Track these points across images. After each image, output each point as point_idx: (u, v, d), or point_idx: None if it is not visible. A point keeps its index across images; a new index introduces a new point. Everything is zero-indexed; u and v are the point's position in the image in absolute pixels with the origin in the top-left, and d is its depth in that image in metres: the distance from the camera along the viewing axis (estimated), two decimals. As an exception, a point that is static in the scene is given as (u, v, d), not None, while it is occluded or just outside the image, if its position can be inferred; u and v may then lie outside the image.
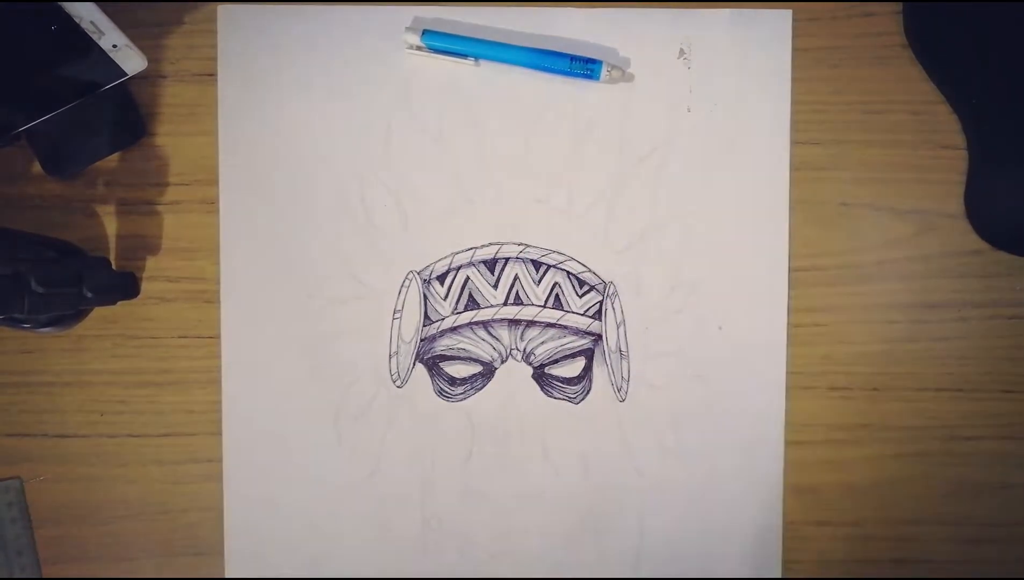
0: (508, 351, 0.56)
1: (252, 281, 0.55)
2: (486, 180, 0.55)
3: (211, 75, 0.55)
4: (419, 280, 0.56)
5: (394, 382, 0.56)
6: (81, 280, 0.49)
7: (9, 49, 0.46)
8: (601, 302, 0.56)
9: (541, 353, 0.56)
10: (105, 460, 0.56)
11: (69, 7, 0.44)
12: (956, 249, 0.56)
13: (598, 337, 0.56)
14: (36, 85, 0.48)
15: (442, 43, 0.54)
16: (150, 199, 0.55)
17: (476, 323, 0.56)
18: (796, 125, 0.55)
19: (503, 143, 0.55)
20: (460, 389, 0.56)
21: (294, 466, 0.56)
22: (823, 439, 0.56)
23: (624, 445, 0.56)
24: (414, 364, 0.56)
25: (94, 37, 0.46)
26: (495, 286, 0.56)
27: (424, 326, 0.56)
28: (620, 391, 0.56)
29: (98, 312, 0.55)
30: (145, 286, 0.55)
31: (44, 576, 0.56)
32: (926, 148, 0.56)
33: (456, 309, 0.56)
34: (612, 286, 0.56)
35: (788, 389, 0.56)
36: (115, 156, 0.55)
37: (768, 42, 0.55)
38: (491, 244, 0.56)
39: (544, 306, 0.56)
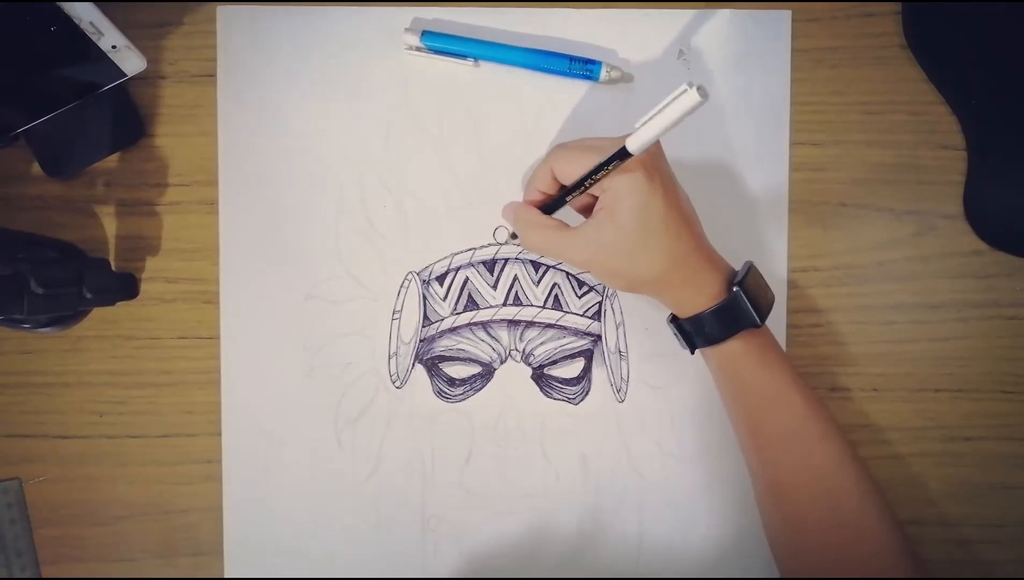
0: (507, 352, 0.56)
1: (252, 282, 0.55)
2: (486, 180, 0.55)
3: (211, 75, 0.55)
4: (418, 281, 0.56)
5: (393, 383, 0.56)
6: (81, 281, 0.49)
7: (9, 49, 0.46)
8: (600, 303, 0.56)
9: (540, 354, 0.56)
10: (105, 460, 0.56)
11: (69, 7, 0.44)
12: (956, 249, 0.56)
13: (597, 338, 0.56)
14: (36, 86, 0.48)
15: (441, 44, 0.54)
16: (150, 200, 0.55)
17: (475, 324, 0.56)
18: (796, 125, 0.55)
19: (503, 143, 0.55)
20: (459, 390, 0.56)
21: (294, 467, 0.56)
22: (823, 439, 0.56)
23: (623, 446, 0.56)
24: (413, 365, 0.56)
25: (93, 38, 0.46)
26: (494, 287, 0.56)
27: (423, 327, 0.56)
28: (619, 392, 0.56)
29: (98, 313, 0.55)
30: (145, 287, 0.55)
31: (44, 576, 0.56)
32: (926, 148, 0.56)
33: (455, 310, 0.56)
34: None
35: (788, 389, 0.56)
36: (115, 156, 0.55)
37: (768, 42, 0.55)
38: (490, 244, 0.56)
39: (543, 307, 0.56)
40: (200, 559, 0.56)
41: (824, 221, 0.56)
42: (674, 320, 0.49)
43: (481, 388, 0.56)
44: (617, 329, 0.56)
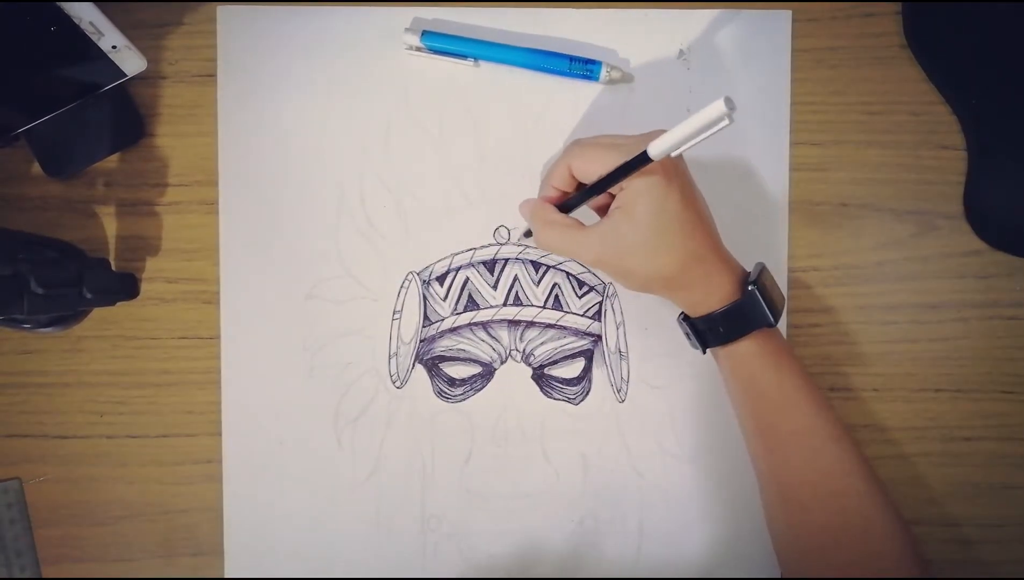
0: (508, 352, 0.56)
1: (252, 282, 0.55)
2: (486, 180, 0.55)
3: (211, 76, 0.55)
4: (419, 281, 0.56)
5: (394, 383, 0.56)
6: (81, 281, 0.49)
7: (9, 49, 0.46)
8: (600, 303, 0.56)
9: (541, 354, 0.56)
10: (105, 460, 0.56)
11: (69, 7, 0.44)
12: (956, 249, 0.56)
13: (597, 338, 0.56)
14: (36, 86, 0.48)
15: (441, 44, 0.54)
16: (150, 200, 0.55)
17: (476, 324, 0.56)
18: (796, 125, 0.55)
19: (503, 143, 0.55)
20: (460, 390, 0.56)
21: (294, 467, 0.56)
22: (823, 439, 0.56)
23: (624, 446, 0.56)
24: (414, 365, 0.56)
25: (94, 38, 0.46)
26: (495, 287, 0.56)
27: (424, 327, 0.56)
28: (620, 392, 0.56)
29: (98, 313, 0.55)
30: (145, 287, 0.55)
31: (44, 576, 0.56)
32: (926, 148, 0.56)
33: (456, 310, 0.56)
34: (612, 287, 0.56)
35: (788, 389, 0.56)
36: (115, 156, 0.55)
37: (768, 42, 0.55)
38: (491, 244, 0.56)
39: (544, 307, 0.56)
40: (200, 559, 0.56)
41: (824, 221, 0.56)
42: (686, 319, 0.49)
43: (481, 388, 0.56)
44: (617, 329, 0.56)
